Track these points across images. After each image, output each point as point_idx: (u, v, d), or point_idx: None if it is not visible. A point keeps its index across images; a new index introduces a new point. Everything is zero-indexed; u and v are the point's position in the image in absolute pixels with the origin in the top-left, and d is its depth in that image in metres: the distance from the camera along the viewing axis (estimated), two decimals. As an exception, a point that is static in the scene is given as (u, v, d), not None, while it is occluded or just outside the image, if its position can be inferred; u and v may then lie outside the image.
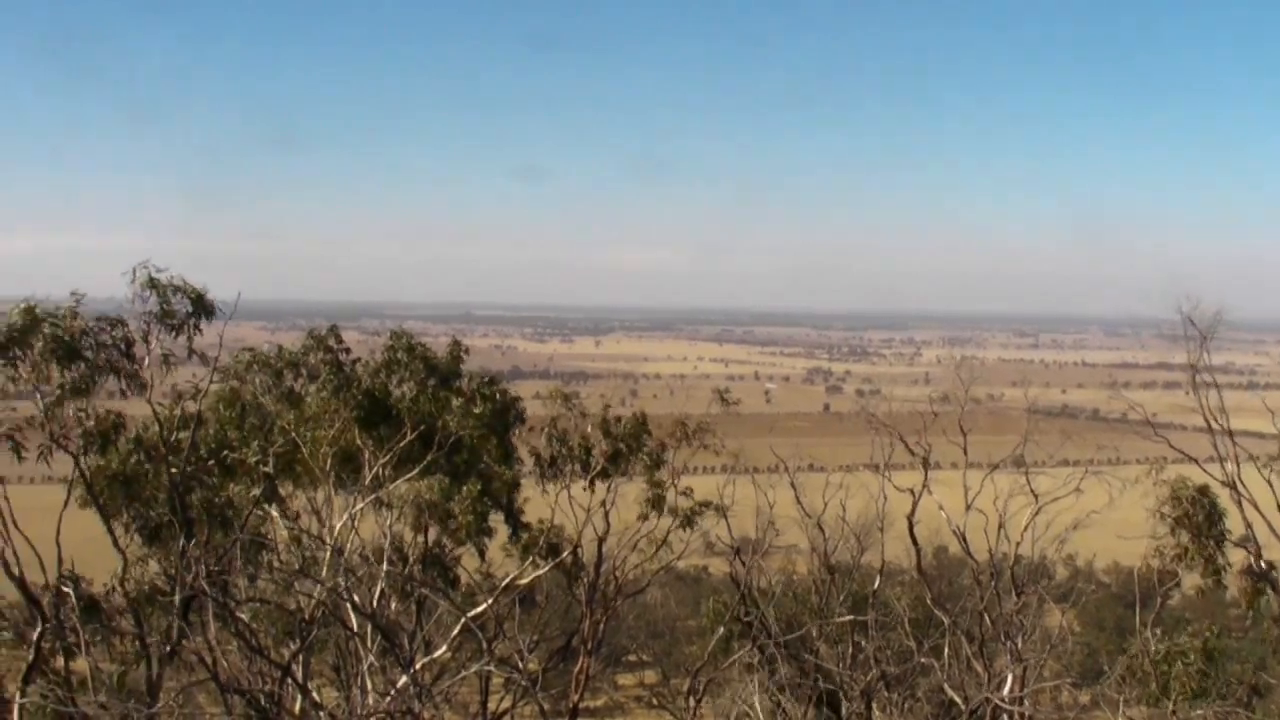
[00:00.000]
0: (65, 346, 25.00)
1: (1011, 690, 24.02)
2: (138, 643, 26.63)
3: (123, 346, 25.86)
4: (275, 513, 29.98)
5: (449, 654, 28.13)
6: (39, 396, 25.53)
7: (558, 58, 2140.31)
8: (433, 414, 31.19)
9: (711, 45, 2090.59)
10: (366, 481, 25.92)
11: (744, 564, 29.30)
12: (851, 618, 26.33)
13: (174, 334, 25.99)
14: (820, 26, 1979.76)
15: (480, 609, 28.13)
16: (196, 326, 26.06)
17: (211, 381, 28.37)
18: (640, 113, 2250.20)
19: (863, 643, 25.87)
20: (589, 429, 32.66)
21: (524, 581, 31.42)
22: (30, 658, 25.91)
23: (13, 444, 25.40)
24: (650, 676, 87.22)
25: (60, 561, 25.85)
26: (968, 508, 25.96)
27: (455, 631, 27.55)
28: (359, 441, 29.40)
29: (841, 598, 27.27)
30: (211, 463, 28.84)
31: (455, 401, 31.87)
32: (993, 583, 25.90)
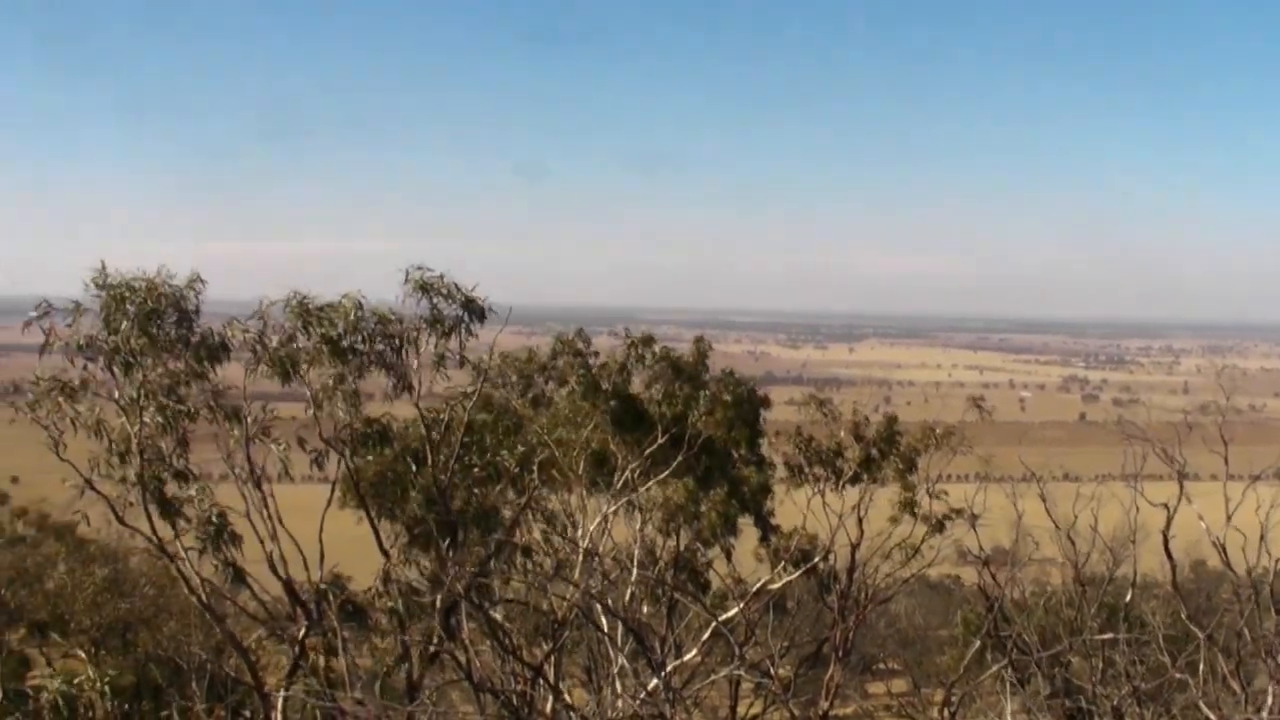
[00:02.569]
0: (336, 345, 25.62)
1: (1271, 710, 23.38)
2: (399, 643, 27.27)
3: (395, 343, 26.37)
4: (531, 516, 30.39)
5: (699, 658, 28.28)
6: (309, 396, 26.24)
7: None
8: (680, 415, 31.32)
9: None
10: (618, 484, 26.13)
11: (993, 575, 28.98)
12: (1110, 635, 25.85)
13: (444, 338, 26.42)
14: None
15: (731, 613, 28.22)
16: (468, 330, 26.44)
17: (480, 386, 28.72)
18: (899, 115, 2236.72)
19: (1115, 658, 25.40)
20: (841, 433, 32.61)
21: (775, 587, 31.44)
22: (293, 655, 26.74)
23: (283, 459, 26.05)
24: (899, 685, 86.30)
25: (323, 560, 26.58)
26: (1228, 520, 25.32)
27: (706, 635, 27.69)
28: (611, 444, 29.68)
29: (1093, 611, 26.83)
30: (476, 468, 29.25)
31: (702, 402, 32.01)
32: (1252, 598, 25.23)
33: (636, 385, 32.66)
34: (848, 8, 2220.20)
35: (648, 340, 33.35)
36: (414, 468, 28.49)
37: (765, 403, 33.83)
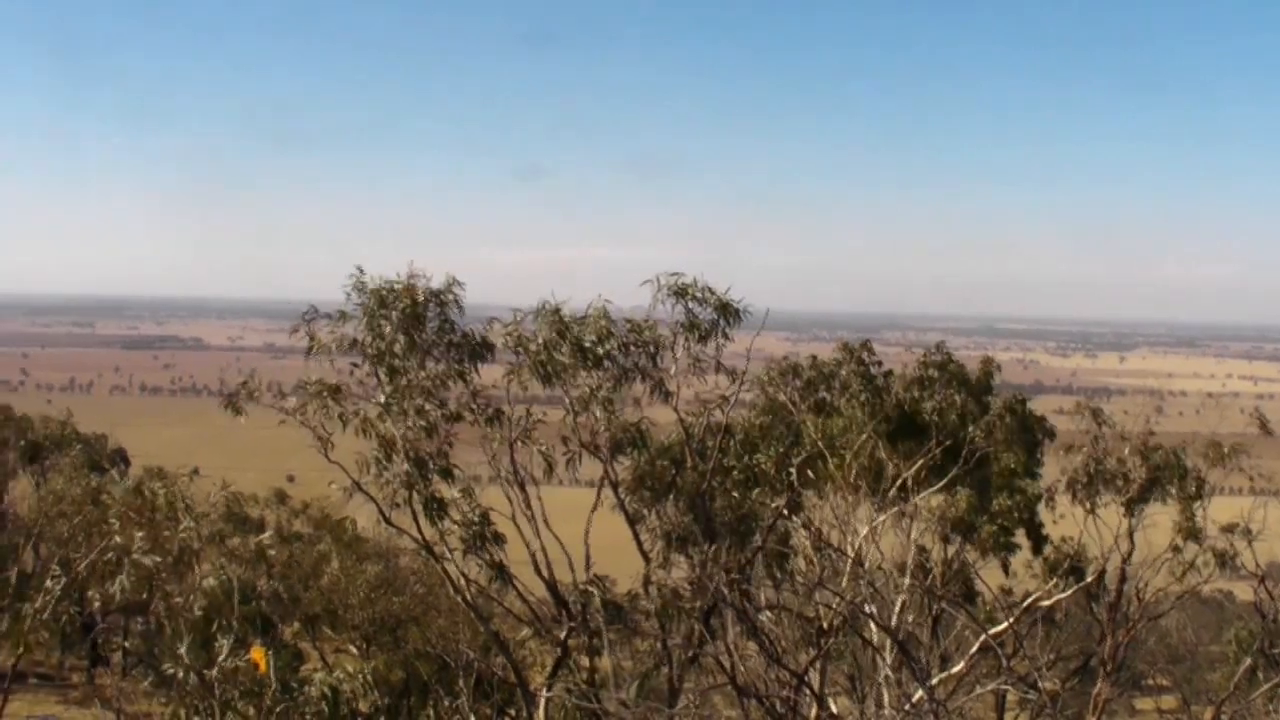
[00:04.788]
0: (590, 354, 25.71)
1: None
2: (660, 645, 27.33)
3: (651, 349, 26.37)
4: (798, 522, 30.30)
5: (965, 669, 27.98)
6: (567, 401, 26.38)
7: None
8: (960, 428, 30.97)
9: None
10: (891, 493, 25.89)
11: (1269, 591, 28.25)
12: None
13: (701, 342, 26.31)
14: None
15: (1001, 627, 27.84)
16: (724, 334, 26.29)
17: (740, 390, 28.55)
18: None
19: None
20: (1125, 452, 31.97)
21: (1047, 603, 31.00)
22: (557, 654, 27.01)
23: (548, 460, 26.25)
24: (1168, 702, 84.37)
25: (588, 562, 26.76)
26: None
27: (974, 648, 27.38)
28: (886, 453, 29.47)
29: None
30: (735, 471, 29.15)
31: (984, 418, 31.65)
32: None
33: (920, 397, 32.41)
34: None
35: (937, 354, 33.19)
36: (674, 471, 28.53)
37: (1043, 421, 33.40)
